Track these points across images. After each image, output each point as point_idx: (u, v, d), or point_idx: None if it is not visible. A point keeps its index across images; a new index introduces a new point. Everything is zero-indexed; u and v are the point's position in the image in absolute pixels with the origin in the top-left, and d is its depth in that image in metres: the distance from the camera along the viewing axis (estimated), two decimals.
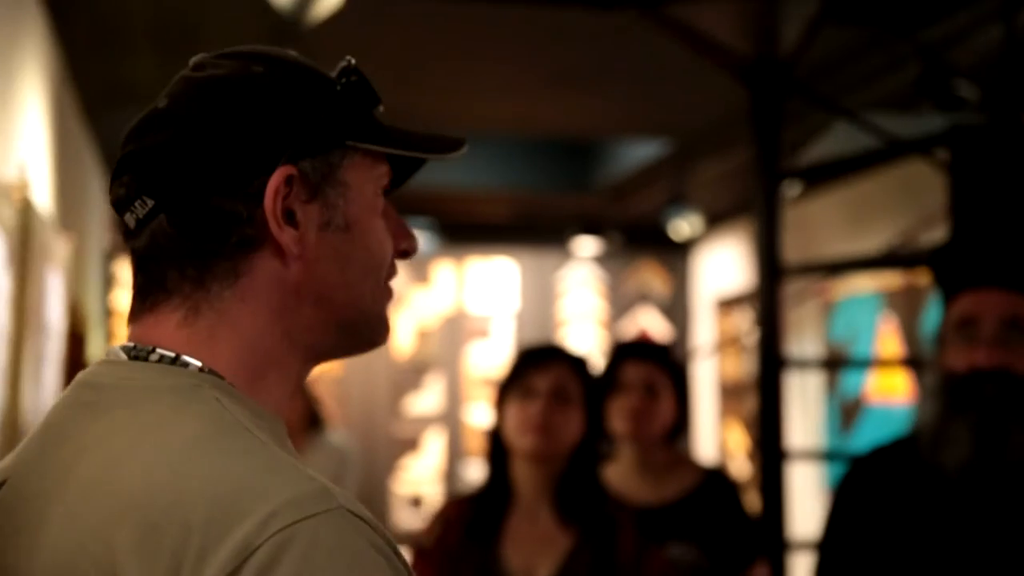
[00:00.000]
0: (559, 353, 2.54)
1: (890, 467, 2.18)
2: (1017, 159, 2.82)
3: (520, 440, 2.43)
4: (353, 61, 1.06)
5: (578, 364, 2.51)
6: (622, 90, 4.95)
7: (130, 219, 1.02)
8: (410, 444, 7.83)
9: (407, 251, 1.09)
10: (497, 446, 2.49)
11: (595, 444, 2.49)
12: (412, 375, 7.89)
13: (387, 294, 1.08)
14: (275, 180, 0.99)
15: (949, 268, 2.16)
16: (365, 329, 1.06)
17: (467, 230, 7.86)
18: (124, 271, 6.87)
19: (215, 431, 0.93)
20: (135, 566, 0.87)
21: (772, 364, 3.46)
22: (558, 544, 2.41)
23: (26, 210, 2.59)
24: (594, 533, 2.41)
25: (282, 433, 1.00)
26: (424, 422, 7.86)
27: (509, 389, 2.49)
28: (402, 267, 1.13)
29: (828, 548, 2.21)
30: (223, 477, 0.89)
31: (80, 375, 1.03)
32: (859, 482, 2.21)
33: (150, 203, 1.00)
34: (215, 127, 0.99)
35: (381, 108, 1.08)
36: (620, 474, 3.01)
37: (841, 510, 2.21)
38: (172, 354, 0.99)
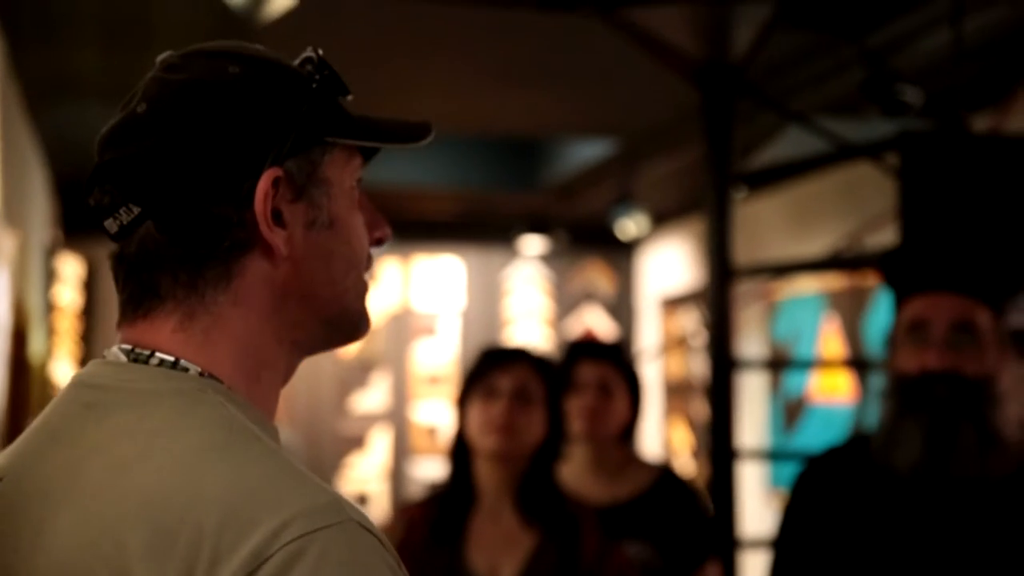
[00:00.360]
0: (522, 354, 2.55)
1: (844, 467, 2.20)
2: (964, 164, 2.86)
3: (483, 440, 2.43)
4: (320, 52, 1.07)
5: (541, 364, 2.52)
6: (570, 89, 4.96)
7: (112, 225, 1.02)
8: (356, 442, 7.80)
9: (381, 239, 1.11)
10: (460, 446, 2.49)
11: (557, 444, 2.51)
12: (358, 373, 7.86)
13: (366, 287, 1.10)
14: (264, 183, 1.00)
15: (900, 271, 2.19)
16: (348, 323, 1.08)
17: (413, 228, 7.84)
18: (65, 267, 6.78)
19: (226, 436, 0.95)
20: (146, 568, 0.88)
21: (723, 365, 3.49)
22: (521, 544, 2.42)
23: None
24: (557, 532, 2.42)
25: (278, 439, 1.01)
26: (370, 420, 7.84)
27: (472, 389, 2.49)
28: None
29: (783, 547, 2.23)
30: (237, 484, 0.90)
31: (78, 375, 1.04)
32: (813, 481, 2.23)
33: (136, 210, 1.00)
34: (200, 133, 0.99)
35: (350, 98, 1.09)
36: (574, 473, 3.02)
37: (796, 509, 2.23)
38: (172, 358, 1.00)
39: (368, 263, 1.10)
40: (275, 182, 1.01)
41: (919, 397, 2.07)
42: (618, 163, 6.11)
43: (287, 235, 1.01)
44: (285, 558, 0.86)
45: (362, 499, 7.68)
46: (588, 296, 8.26)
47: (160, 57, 1.06)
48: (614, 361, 3.09)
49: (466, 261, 8.10)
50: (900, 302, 2.16)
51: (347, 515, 0.90)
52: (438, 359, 7.92)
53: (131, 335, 1.02)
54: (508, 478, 2.45)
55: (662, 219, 7.49)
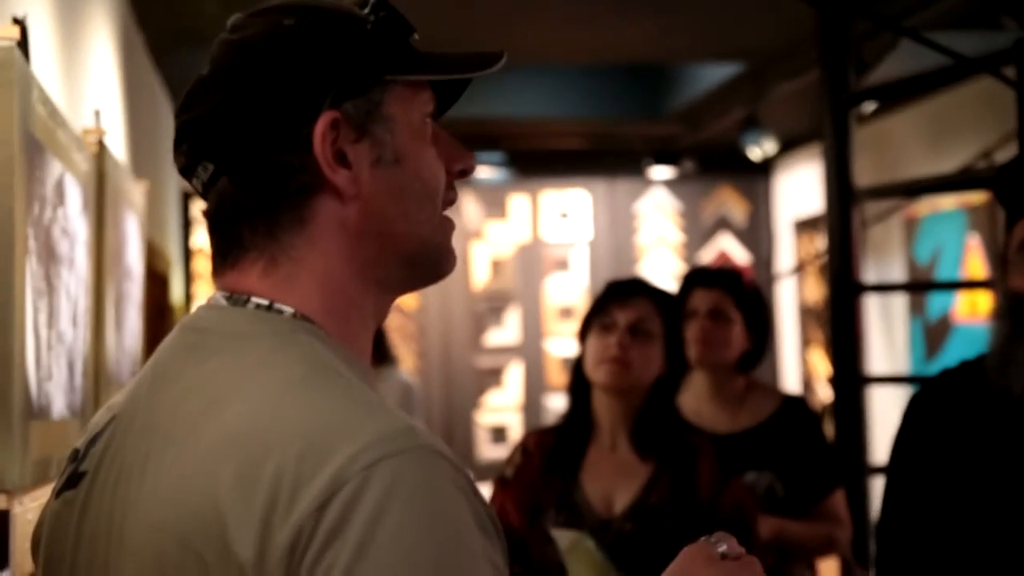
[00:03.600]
0: (642, 287, 2.56)
1: (958, 389, 2.16)
2: None
3: (597, 372, 2.46)
4: None
5: (661, 299, 2.53)
6: (691, 14, 4.88)
7: (196, 184, 1.08)
8: (491, 376, 7.89)
9: (465, 171, 1.13)
10: (579, 378, 2.52)
11: (676, 379, 2.51)
12: (491, 307, 7.93)
13: (447, 224, 1.12)
14: (320, 126, 1.03)
15: (1013, 188, 2.12)
16: (428, 259, 1.10)
17: (540, 161, 7.84)
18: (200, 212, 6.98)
19: (311, 372, 0.99)
20: (236, 497, 0.93)
21: (846, 289, 3.43)
22: (636, 474, 2.44)
23: (101, 155, 2.63)
24: (672, 464, 2.43)
25: (369, 375, 1.06)
26: (504, 353, 7.91)
27: (591, 322, 2.51)
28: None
29: (896, 470, 2.20)
30: (317, 416, 0.95)
31: (184, 319, 1.10)
32: (927, 404, 2.20)
33: (211, 167, 1.06)
34: (256, 86, 1.04)
35: (416, 36, 1.10)
36: (694, 402, 3.02)
37: (908, 433, 2.20)
38: (267, 302, 1.05)
39: (448, 197, 1.11)
40: (334, 124, 1.04)
41: None
42: (744, 87, 6.01)
43: (352, 175, 1.05)
44: (361, 482, 0.90)
45: (499, 431, 7.79)
46: (721, 223, 8.16)
47: (229, 20, 1.10)
48: (728, 288, 3.06)
49: (594, 192, 8.07)
50: (1013, 220, 2.10)
51: (420, 440, 0.93)
52: (570, 292, 7.93)
53: (226, 283, 1.07)
54: (624, 411, 2.47)
55: (792, 142, 7.34)
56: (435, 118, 1.11)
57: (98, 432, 1.09)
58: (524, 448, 2.56)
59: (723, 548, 1.12)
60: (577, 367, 2.55)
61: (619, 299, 2.51)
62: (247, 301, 1.05)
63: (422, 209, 1.08)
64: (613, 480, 2.45)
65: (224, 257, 1.07)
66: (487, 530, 0.93)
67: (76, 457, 1.11)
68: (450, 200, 1.12)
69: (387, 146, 1.06)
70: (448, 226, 1.11)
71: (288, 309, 1.04)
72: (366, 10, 1.08)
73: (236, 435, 0.96)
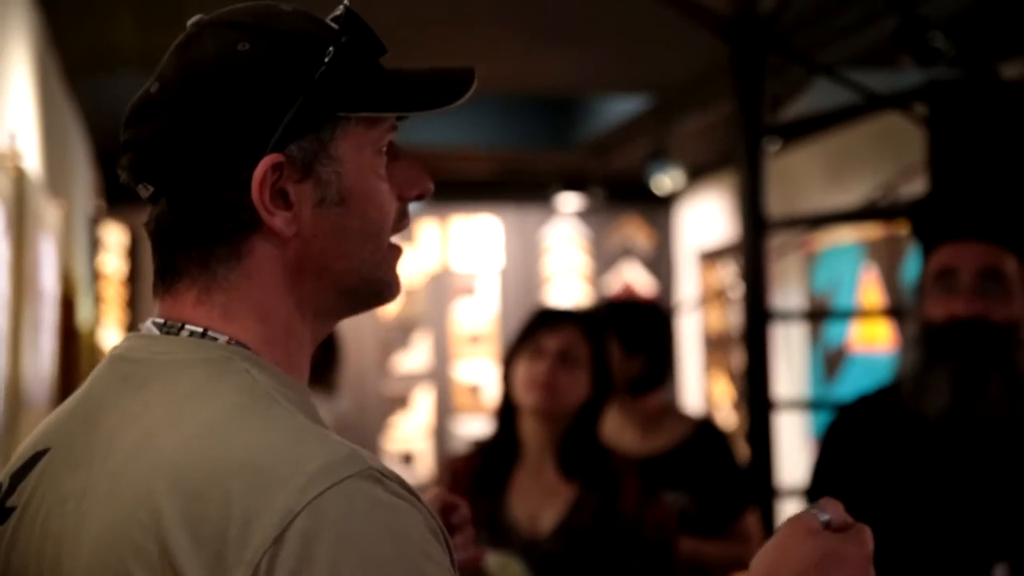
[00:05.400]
0: (570, 316, 2.63)
1: (874, 414, 2.23)
2: (993, 112, 2.86)
3: (527, 397, 2.51)
4: (348, 7, 1.04)
5: (588, 327, 2.58)
6: (603, 46, 4.96)
7: (144, 195, 1.06)
8: (400, 402, 7.89)
9: (420, 195, 1.10)
10: (506, 402, 2.57)
11: (601, 403, 2.57)
12: (399, 333, 7.93)
13: (393, 254, 1.08)
14: (260, 170, 1.00)
15: (928, 220, 2.21)
16: (368, 292, 1.08)
17: (450, 188, 7.87)
18: (109, 236, 6.88)
19: (249, 401, 0.97)
20: (182, 532, 0.90)
21: (758, 317, 3.52)
22: (562, 496, 2.49)
23: (20, 178, 2.62)
24: (596, 485, 2.49)
25: (308, 400, 1.04)
26: (413, 380, 7.92)
27: (520, 348, 2.57)
28: None
29: (815, 494, 2.27)
30: (259, 445, 0.93)
31: (115, 349, 1.07)
32: (844, 429, 2.27)
33: (151, 189, 1.04)
34: (202, 118, 1.00)
35: (385, 54, 1.05)
36: (612, 426, 3.07)
37: (827, 457, 2.27)
38: (200, 329, 1.03)
39: (400, 225, 1.08)
40: (276, 167, 1.00)
41: (947, 344, 2.10)
42: (652, 119, 6.11)
43: (292, 215, 1.01)
44: (313, 512, 0.89)
45: (407, 458, 7.78)
46: (626, 252, 8.28)
47: (190, 21, 1.06)
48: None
49: (504, 220, 8.13)
50: (928, 251, 2.19)
51: (366, 464, 0.93)
52: (478, 318, 7.98)
53: (162, 309, 1.05)
54: (550, 434, 2.52)
55: (698, 173, 7.48)
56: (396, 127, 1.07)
57: (24, 465, 1.05)
58: (452, 470, 2.59)
59: (826, 517, 1.03)
60: (504, 391, 2.59)
61: (548, 326, 2.57)
62: (181, 328, 1.03)
63: (365, 247, 1.05)
64: (539, 502, 2.50)
65: (162, 278, 1.05)
66: (440, 540, 0.94)
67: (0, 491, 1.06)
68: (401, 227, 1.09)
69: (331, 186, 1.02)
70: (393, 256, 1.08)
71: (223, 336, 1.02)
72: (332, 29, 1.03)
73: (175, 467, 0.93)
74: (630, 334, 3.14)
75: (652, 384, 3.17)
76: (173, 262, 1.03)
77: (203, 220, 1.01)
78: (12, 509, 1.03)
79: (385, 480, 0.93)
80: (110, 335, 6.44)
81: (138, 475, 0.95)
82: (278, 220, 1.01)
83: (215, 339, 1.02)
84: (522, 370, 2.54)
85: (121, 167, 1.05)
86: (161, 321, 1.04)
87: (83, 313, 5.10)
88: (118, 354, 1.06)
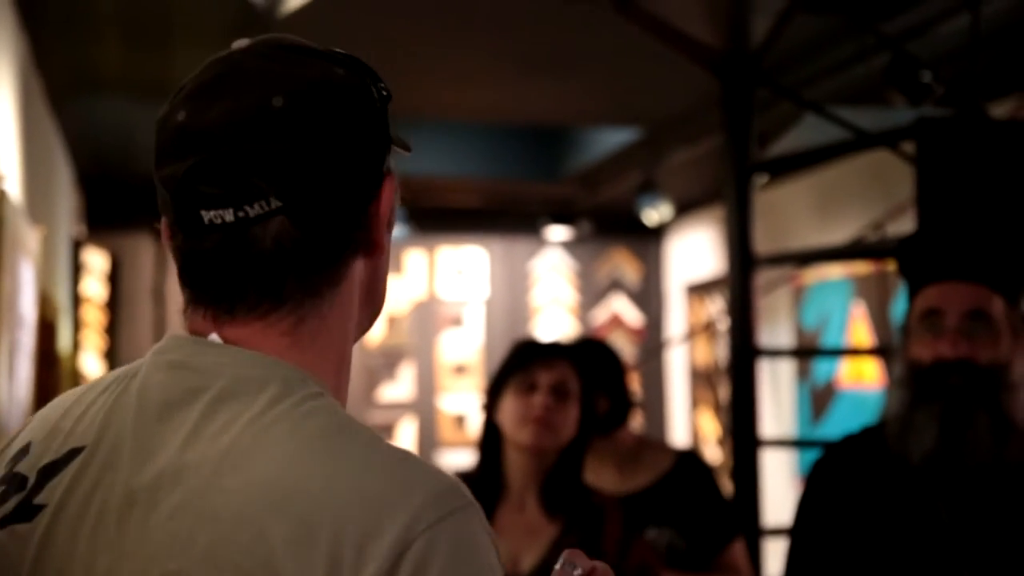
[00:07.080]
0: (563, 349, 2.57)
1: (859, 455, 2.20)
2: (982, 151, 2.85)
3: (519, 432, 2.45)
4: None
5: (578, 362, 2.54)
6: (593, 78, 4.96)
7: (218, 215, 0.97)
8: (383, 432, 7.83)
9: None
10: (490, 435, 2.51)
11: (586, 440, 2.53)
12: (384, 363, 7.89)
13: None
14: (389, 189, 1.03)
15: (915, 260, 2.19)
16: (377, 316, 1.11)
17: (438, 218, 7.86)
18: (91, 260, 6.83)
19: (337, 424, 0.96)
20: (293, 560, 0.90)
21: (745, 353, 3.49)
22: (544, 534, 2.44)
23: (1, 202, 2.58)
24: (579, 523, 2.44)
25: None
26: (397, 410, 7.87)
27: (509, 380, 2.50)
28: None
29: (799, 534, 2.24)
30: (362, 470, 0.93)
31: (165, 352, 1.01)
32: (829, 469, 2.24)
33: (275, 204, 0.97)
34: (340, 135, 0.99)
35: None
36: (591, 463, 3.03)
37: (812, 496, 2.24)
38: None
39: None
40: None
41: (933, 386, 2.08)
42: (641, 151, 6.11)
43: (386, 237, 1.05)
44: (427, 543, 0.90)
45: None
46: (614, 284, 8.26)
47: (236, 45, 1.02)
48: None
49: (491, 251, 8.11)
50: (915, 291, 2.16)
51: (469, 498, 0.95)
52: (464, 349, 7.94)
53: (231, 333, 0.99)
54: (536, 470, 2.47)
55: (686, 207, 7.48)
56: None
57: (55, 461, 1.00)
58: None
59: (579, 572, 1.08)
60: (488, 424, 2.54)
61: (542, 359, 2.52)
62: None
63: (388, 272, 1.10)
64: (521, 539, 2.45)
65: (243, 304, 0.99)
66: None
67: (19, 484, 1.01)
68: None
69: (392, 209, 1.07)
70: None
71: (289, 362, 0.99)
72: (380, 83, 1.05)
73: (275, 489, 0.91)
74: (588, 373, 3.09)
75: (617, 421, 3.12)
76: (278, 287, 0.99)
77: (336, 239, 1.00)
78: (41, 507, 0.99)
79: (482, 516, 0.95)
80: (90, 360, 6.39)
81: (230, 496, 0.92)
82: (387, 239, 1.03)
83: (276, 360, 0.99)
84: (513, 404, 2.48)
85: (215, 184, 0.96)
86: (219, 341, 1.00)
87: (63, 338, 5.05)
88: (176, 360, 1.00)
